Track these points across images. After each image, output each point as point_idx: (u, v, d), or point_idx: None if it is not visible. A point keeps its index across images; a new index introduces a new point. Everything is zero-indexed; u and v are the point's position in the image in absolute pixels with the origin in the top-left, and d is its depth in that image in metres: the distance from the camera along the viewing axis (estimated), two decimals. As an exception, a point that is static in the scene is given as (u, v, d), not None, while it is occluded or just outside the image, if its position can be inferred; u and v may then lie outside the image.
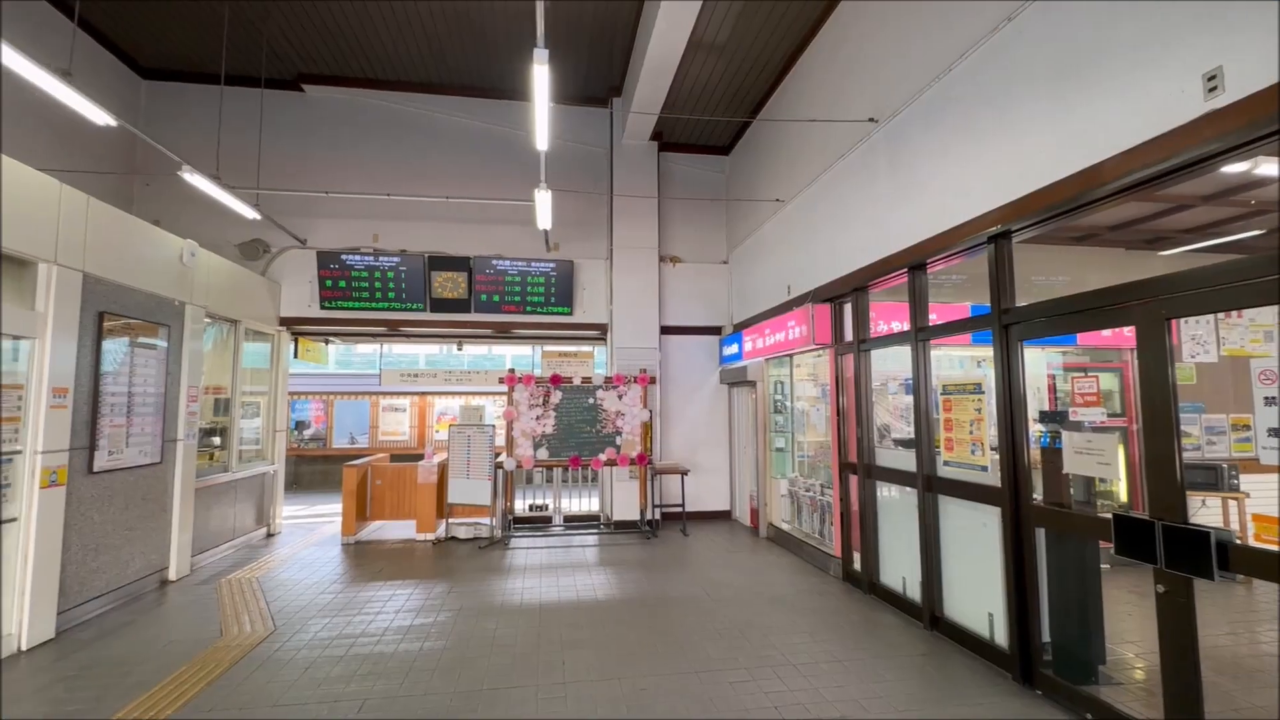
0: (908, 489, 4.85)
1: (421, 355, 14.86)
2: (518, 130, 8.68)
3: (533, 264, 8.41)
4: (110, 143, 7.51)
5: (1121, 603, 4.57)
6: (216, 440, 6.85)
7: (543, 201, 6.42)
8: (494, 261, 8.32)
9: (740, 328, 8.37)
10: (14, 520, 4.07)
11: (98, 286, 4.76)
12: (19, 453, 4.11)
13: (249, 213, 6.82)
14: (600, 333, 8.90)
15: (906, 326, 4.87)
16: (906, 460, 4.87)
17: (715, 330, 9.06)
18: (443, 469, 7.64)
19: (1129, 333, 3.06)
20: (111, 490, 4.91)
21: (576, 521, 8.32)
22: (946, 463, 4.38)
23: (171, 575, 5.66)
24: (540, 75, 4.18)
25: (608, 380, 7.75)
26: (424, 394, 12.88)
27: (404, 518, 7.71)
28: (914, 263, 4.64)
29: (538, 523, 8.23)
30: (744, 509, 8.49)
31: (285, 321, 8.07)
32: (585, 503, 9.06)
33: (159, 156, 7.31)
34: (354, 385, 12.94)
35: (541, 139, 5.10)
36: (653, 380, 8.02)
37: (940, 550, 4.48)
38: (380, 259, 8.09)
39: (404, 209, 8.33)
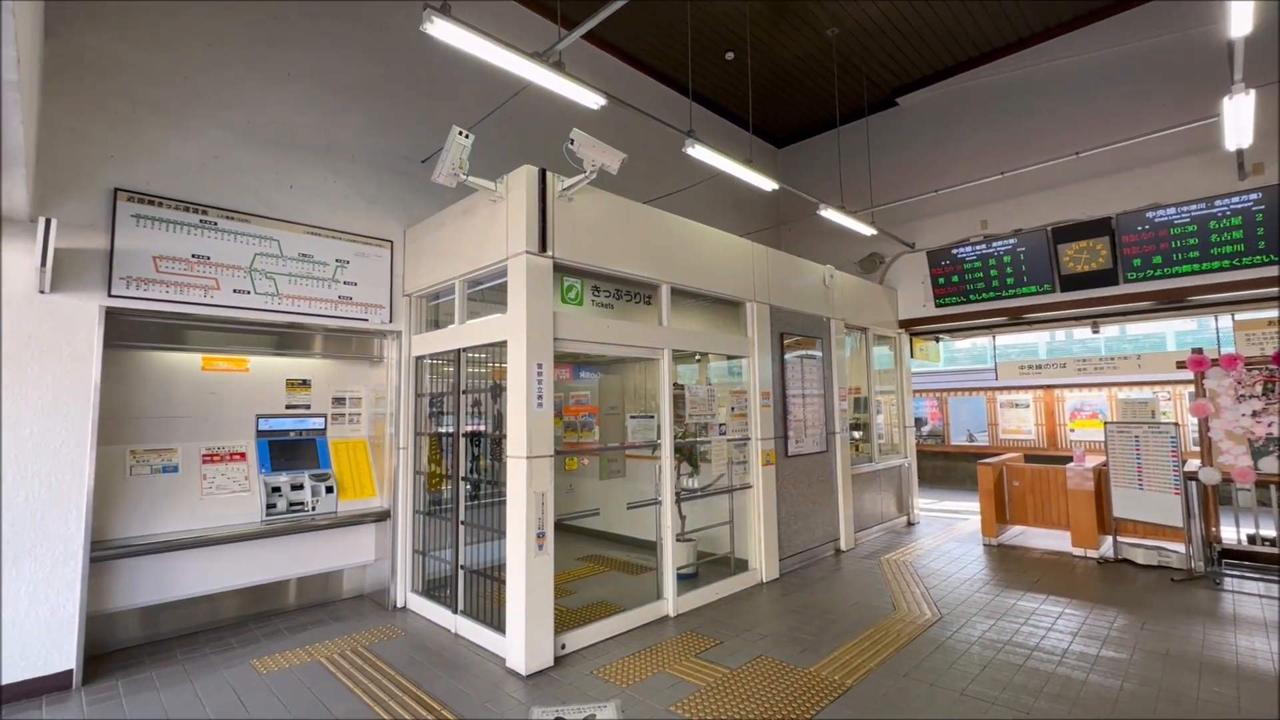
0: None
1: (1040, 344, 13.10)
2: (1162, 35, 6.60)
3: (1217, 203, 6.12)
4: (765, 203, 9.85)
5: None
6: (859, 434, 7.84)
7: (1237, 109, 4.58)
8: (1148, 214, 6.49)
9: None
10: (751, 487, 5.71)
11: (777, 314, 6.21)
12: (749, 439, 5.76)
13: (867, 230, 7.61)
14: (1372, 280, 5.65)
15: None
16: None
17: None
18: (1099, 475, 6.40)
19: None
20: (799, 471, 6.27)
21: (1353, 572, 5.43)
22: None
23: (842, 546, 6.76)
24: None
25: None
26: (1048, 387, 11.26)
27: (1049, 526, 6.84)
28: None
29: (1264, 561, 5.80)
30: None
31: (903, 324, 8.57)
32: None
33: (796, 203, 9.09)
34: (966, 381, 12.55)
35: (1241, 18, 3.61)
36: None
37: None
38: (993, 245, 7.56)
39: (1010, 186, 7.56)
